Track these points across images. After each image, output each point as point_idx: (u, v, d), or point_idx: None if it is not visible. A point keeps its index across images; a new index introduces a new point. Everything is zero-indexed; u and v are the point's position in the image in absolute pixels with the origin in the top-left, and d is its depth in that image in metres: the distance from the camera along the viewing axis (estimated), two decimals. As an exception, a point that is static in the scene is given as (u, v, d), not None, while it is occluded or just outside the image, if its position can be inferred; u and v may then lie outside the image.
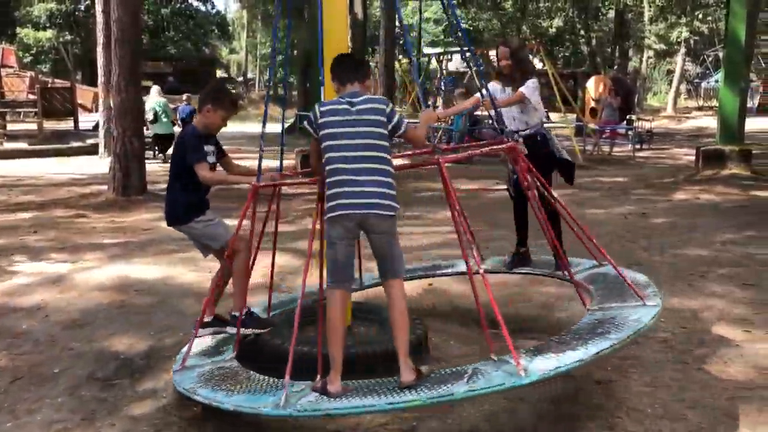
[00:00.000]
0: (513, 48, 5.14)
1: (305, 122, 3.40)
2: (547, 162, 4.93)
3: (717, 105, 17.95)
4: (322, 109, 3.31)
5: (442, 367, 3.36)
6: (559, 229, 4.76)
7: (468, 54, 5.14)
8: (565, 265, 4.33)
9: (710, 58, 39.56)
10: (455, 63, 31.62)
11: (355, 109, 3.26)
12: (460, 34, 4.45)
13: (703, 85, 39.33)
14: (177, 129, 15.04)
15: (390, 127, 3.28)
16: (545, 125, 5.21)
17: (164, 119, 14.98)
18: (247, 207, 3.72)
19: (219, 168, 4.16)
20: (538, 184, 4.13)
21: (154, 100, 14.96)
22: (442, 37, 43.12)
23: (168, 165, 4.65)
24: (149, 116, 14.48)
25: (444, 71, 25.15)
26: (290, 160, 14.23)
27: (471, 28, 39.34)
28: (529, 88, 4.95)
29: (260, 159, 3.82)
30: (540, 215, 4.12)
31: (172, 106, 16.32)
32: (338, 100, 3.33)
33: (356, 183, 3.17)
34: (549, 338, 3.43)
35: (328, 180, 3.25)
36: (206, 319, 3.96)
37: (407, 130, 3.35)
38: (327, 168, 3.25)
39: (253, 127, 10.12)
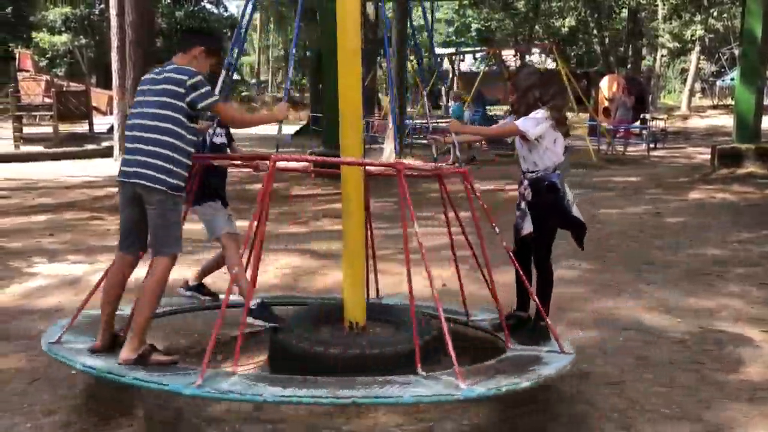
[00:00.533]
0: (514, 78, 4.37)
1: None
2: (549, 214, 4.12)
3: (732, 103, 17.80)
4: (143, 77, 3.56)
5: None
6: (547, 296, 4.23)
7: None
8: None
9: (725, 56, 39.23)
10: (467, 63, 31.59)
11: (160, 77, 3.39)
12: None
13: (718, 83, 38.99)
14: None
15: (188, 99, 3.34)
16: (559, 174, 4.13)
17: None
18: (267, 185, 3.46)
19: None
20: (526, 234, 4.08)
21: None
22: (454, 38, 43.06)
23: None
24: None
25: (457, 71, 25.11)
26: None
27: (483, 28, 39.28)
28: (530, 120, 4.06)
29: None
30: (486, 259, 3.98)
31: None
32: (153, 69, 3.53)
33: (129, 151, 3.37)
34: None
35: None
36: (191, 282, 4.38)
37: (214, 105, 3.42)
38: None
39: (267, 128, 10.18)
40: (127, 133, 3.46)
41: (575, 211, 4.13)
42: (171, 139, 3.36)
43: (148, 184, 3.34)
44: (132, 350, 3.21)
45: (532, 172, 4.13)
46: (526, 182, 4.15)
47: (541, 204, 4.08)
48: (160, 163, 3.35)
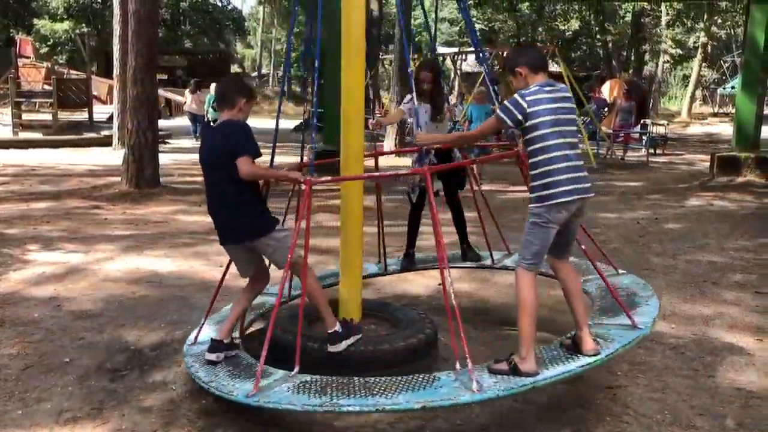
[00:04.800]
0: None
1: None
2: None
3: (733, 111, 17.81)
4: None
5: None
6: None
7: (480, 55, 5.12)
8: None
9: (727, 64, 39.26)
10: (469, 63, 31.56)
11: None
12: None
13: (719, 91, 39.02)
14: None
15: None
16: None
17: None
18: (305, 205, 3.45)
19: None
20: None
21: (213, 92, 16.13)
22: (457, 37, 43.00)
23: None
24: (214, 105, 15.72)
25: (459, 71, 25.10)
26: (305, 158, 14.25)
27: (486, 29, 39.25)
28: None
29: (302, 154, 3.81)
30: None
31: (183, 99, 16.85)
32: None
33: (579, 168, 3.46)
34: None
35: None
36: (225, 340, 3.68)
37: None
38: None
39: (266, 123, 10.16)
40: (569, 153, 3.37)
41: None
42: None
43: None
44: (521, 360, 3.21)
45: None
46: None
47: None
48: None
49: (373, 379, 3.19)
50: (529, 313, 3.29)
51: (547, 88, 3.33)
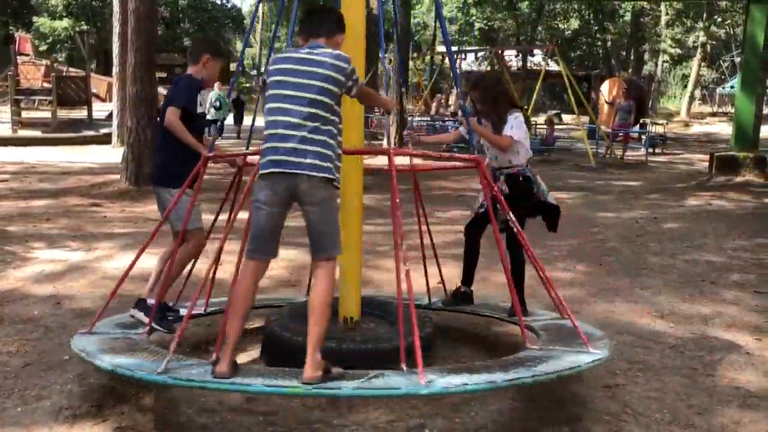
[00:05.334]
0: (481, 85, 4.60)
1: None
2: (528, 205, 4.41)
3: (732, 111, 17.81)
4: None
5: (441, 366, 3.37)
6: (523, 276, 4.40)
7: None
8: (518, 311, 3.74)
9: (726, 64, 39.30)
10: (469, 62, 31.55)
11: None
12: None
13: (718, 90, 39.06)
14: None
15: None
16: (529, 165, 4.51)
17: (222, 107, 17.51)
18: (193, 175, 3.80)
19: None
20: (511, 224, 3.83)
21: (215, 92, 17.55)
22: (456, 36, 43.00)
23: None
24: (215, 105, 17.39)
25: (459, 69, 25.10)
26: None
27: (486, 27, 39.24)
28: (518, 128, 4.34)
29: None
30: (501, 245, 3.76)
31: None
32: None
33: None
34: (473, 362, 3.40)
35: None
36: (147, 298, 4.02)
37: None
38: None
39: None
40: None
41: (550, 198, 4.51)
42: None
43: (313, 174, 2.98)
44: (317, 368, 2.89)
45: (507, 167, 4.41)
46: (502, 178, 4.39)
47: (519, 195, 4.32)
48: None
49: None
50: (233, 308, 3.03)
51: (303, 50, 3.10)
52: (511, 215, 3.78)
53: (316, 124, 2.99)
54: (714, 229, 8.30)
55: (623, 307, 5.28)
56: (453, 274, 5.88)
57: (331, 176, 3.00)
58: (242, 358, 4.14)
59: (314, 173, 2.94)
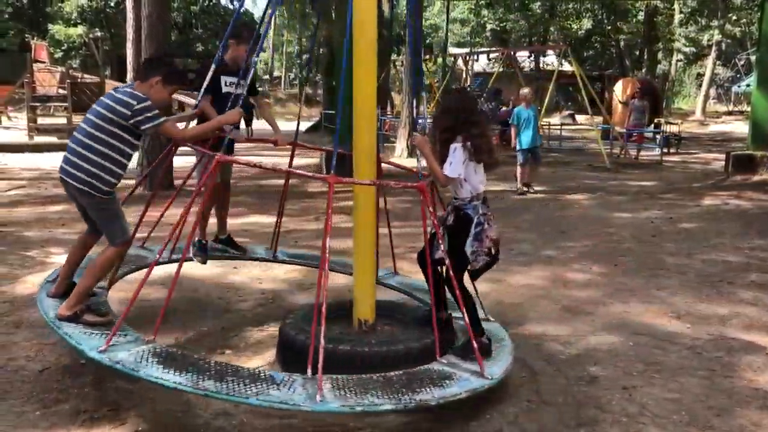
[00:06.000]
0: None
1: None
2: (462, 242, 3.84)
3: (748, 110, 17.66)
4: None
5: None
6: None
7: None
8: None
9: (741, 62, 38.96)
10: (481, 64, 31.50)
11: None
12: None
13: (734, 89, 38.73)
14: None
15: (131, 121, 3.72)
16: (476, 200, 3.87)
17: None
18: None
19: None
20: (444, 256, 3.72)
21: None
22: (468, 38, 42.97)
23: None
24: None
25: (470, 71, 25.07)
26: (314, 159, 14.29)
27: (498, 29, 39.17)
28: (452, 165, 3.77)
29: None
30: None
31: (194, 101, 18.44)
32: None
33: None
34: (375, 375, 3.38)
35: None
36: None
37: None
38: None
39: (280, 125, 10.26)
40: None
41: (484, 246, 3.79)
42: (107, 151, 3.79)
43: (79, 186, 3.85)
44: (69, 308, 3.65)
45: (455, 199, 3.92)
46: (449, 207, 3.97)
47: (459, 231, 3.85)
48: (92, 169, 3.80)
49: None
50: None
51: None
52: (443, 250, 3.72)
53: (93, 143, 3.74)
54: (731, 228, 8.22)
55: (639, 307, 5.24)
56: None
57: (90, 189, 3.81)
58: (257, 362, 4.16)
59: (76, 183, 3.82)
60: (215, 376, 3.13)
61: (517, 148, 11.10)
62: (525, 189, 11.09)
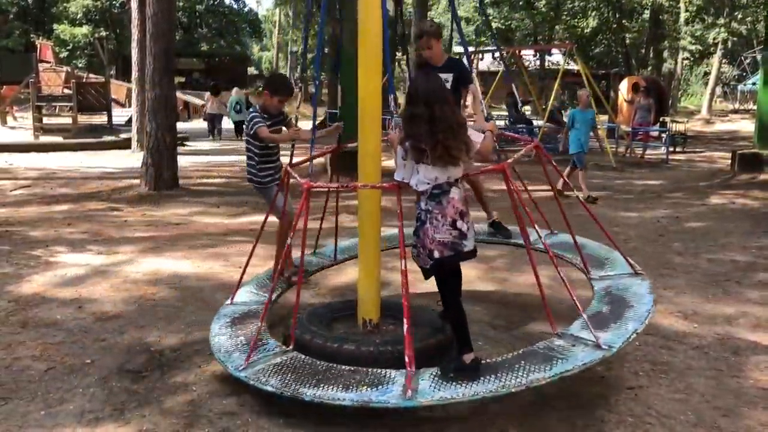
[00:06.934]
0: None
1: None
2: None
3: (754, 108, 17.57)
4: None
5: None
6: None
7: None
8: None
9: (747, 60, 38.80)
10: (486, 62, 31.45)
11: None
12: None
13: (740, 87, 38.57)
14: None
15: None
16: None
17: (243, 110, 19.61)
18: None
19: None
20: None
21: (235, 96, 20.25)
22: (473, 36, 42.90)
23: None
24: (236, 108, 20.02)
25: (475, 70, 25.02)
26: (319, 158, 14.27)
27: (503, 27, 39.08)
28: (398, 168, 3.56)
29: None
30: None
31: (201, 101, 18.51)
32: None
33: None
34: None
35: None
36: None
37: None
38: None
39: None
40: None
41: (424, 244, 3.41)
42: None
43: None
44: None
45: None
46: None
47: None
48: None
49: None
50: None
51: None
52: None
53: None
54: (738, 227, 8.18)
55: (646, 307, 5.21)
56: (471, 274, 5.85)
57: None
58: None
59: None
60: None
61: (570, 151, 10.34)
62: (594, 196, 10.00)
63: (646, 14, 36.79)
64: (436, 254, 3.36)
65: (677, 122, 21.31)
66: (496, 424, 3.38)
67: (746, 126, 25.44)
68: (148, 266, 6.26)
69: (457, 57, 7.11)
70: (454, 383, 3.17)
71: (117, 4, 39.10)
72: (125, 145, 16.79)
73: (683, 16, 34.41)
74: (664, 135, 17.37)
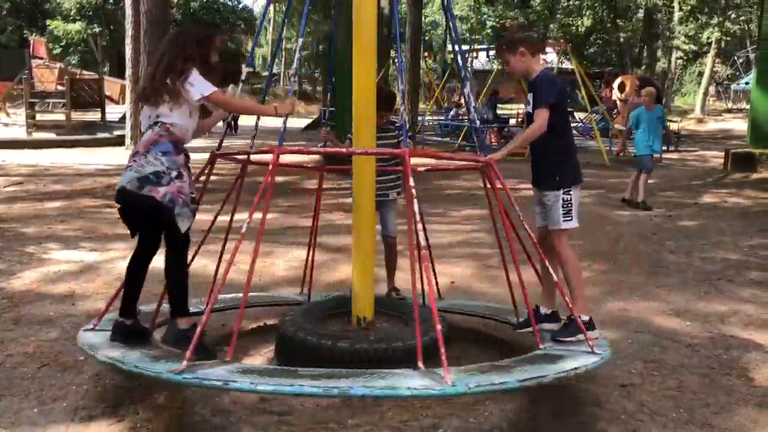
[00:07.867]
0: None
1: None
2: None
3: (747, 107, 17.65)
4: None
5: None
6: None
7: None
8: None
9: (740, 60, 38.95)
10: (481, 61, 31.48)
11: None
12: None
13: (733, 87, 38.73)
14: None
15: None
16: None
17: None
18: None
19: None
20: None
21: (230, 93, 19.70)
22: (467, 35, 42.91)
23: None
24: None
25: (470, 69, 25.01)
26: (314, 156, 14.26)
27: (498, 25, 39.12)
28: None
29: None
30: None
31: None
32: None
33: None
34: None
35: None
36: None
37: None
38: None
39: (275, 121, 10.11)
40: None
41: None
42: None
43: None
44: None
45: None
46: None
47: None
48: None
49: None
50: None
51: None
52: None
53: None
54: (730, 226, 8.22)
55: (639, 305, 5.24)
56: (466, 273, 5.86)
57: None
58: (257, 359, 4.16)
59: None
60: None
61: (638, 153, 9.86)
62: (649, 204, 9.51)
63: (641, 13, 36.88)
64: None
65: (671, 121, 21.38)
66: (489, 420, 3.39)
67: (739, 125, 25.55)
68: (141, 263, 6.23)
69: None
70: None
71: (111, 0, 38.97)
72: (119, 141, 16.74)
73: (677, 15, 34.50)
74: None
